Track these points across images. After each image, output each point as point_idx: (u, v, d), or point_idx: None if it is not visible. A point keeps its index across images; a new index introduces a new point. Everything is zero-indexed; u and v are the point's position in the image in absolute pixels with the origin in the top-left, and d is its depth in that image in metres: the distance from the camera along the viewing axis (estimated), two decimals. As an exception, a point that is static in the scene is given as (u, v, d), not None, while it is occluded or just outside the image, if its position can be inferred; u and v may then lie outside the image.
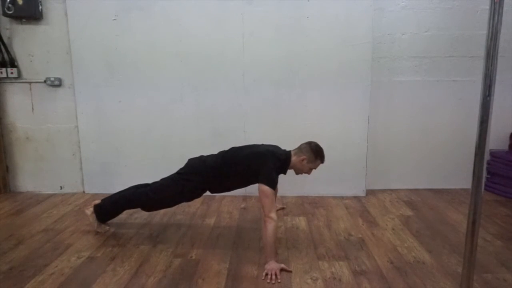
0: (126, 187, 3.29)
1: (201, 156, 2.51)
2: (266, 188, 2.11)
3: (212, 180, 2.39)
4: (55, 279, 1.96)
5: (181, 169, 2.47)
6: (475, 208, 1.33)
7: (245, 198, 3.25)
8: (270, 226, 2.04)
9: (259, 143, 2.46)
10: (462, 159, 3.40)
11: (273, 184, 2.15)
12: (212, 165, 2.38)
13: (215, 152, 3.26)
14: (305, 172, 2.40)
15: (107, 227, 2.57)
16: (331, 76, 3.15)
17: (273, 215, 2.07)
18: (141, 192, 2.46)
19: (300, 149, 2.37)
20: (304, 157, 2.33)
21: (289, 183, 3.08)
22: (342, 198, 3.27)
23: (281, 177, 2.30)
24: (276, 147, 2.44)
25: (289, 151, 2.39)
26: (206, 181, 2.40)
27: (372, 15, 3.08)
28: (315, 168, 2.41)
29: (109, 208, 2.51)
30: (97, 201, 2.55)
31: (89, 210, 2.51)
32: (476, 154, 1.30)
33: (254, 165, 2.24)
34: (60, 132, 3.35)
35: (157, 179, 3.30)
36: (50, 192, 3.41)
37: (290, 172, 2.40)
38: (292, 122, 3.22)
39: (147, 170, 3.32)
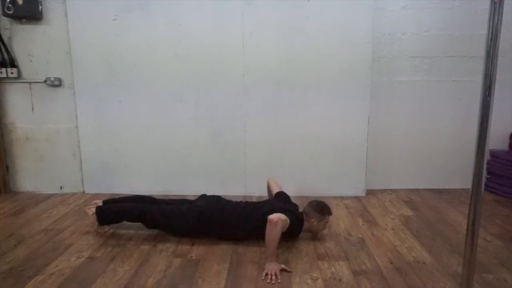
0: (126, 187, 3.32)
1: (219, 199, 2.51)
2: (284, 216, 2.12)
3: (226, 228, 2.38)
4: (55, 279, 1.96)
5: (197, 206, 2.44)
6: (475, 208, 1.32)
7: (245, 198, 3.24)
8: (276, 226, 2.04)
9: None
10: (462, 159, 3.40)
11: (290, 219, 2.16)
12: (230, 214, 2.37)
13: (215, 151, 3.28)
14: (322, 230, 2.43)
15: (107, 228, 2.56)
16: (331, 76, 3.15)
17: (280, 220, 2.07)
18: (148, 211, 2.43)
19: (306, 213, 2.40)
20: (313, 219, 2.36)
21: (289, 183, 3.08)
22: (342, 198, 3.26)
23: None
24: (294, 206, 2.48)
25: (302, 213, 2.42)
26: (219, 228, 2.38)
27: (372, 15, 3.08)
28: (327, 222, 2.42)
29: (111, 215, 2.49)
30: (99, 202, 2.55)
31: (91, 210, 2.49)
32: (476, 154, 1.30)
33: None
34: (60, 132, 3.35)
35: (157, 179, 3.34)
36: (50, 192, 3.41)
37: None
38: (292, 122, 3.22)
39: (147, 170, 3.33)
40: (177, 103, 3.23)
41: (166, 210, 2.43)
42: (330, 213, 2.40)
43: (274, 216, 2.08)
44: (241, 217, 2.37)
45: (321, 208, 2.38)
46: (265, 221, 2.10)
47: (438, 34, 3.29)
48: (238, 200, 2.63)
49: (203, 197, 2.53)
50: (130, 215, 2.47)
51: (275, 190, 2.69)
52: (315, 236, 2.46)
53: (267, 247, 2.08)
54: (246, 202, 2.49)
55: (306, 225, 2.39)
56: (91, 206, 2.53)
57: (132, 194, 2.84)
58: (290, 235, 2.37)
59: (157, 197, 2.69)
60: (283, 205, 2.45)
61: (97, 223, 2.50)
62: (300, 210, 2.48)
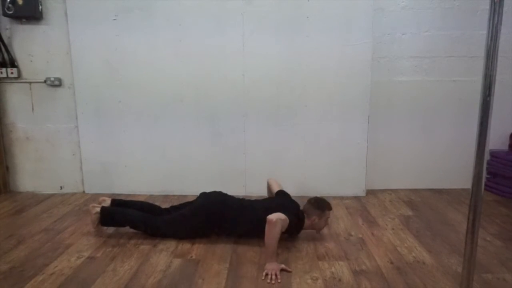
0: (126, 187, 3.33)
1: (220, 194, 2.51)
2: (283, 216, 2.11)
3: (226, 224, 2.39)
4: (55, 279, 1.96)
5: (198, 203, 2.45)
6: (475, 208, 1.32)
7: (245, 198, 3.24)
8: (275, 227, 2.05)
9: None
10: (462, 159, 3.40)
11: (290, 218, 2.15)
12: (231, 209, 2.39)
13: (215, 152, 3.28)
14: (324, 226, 2.43)
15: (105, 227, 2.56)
16: (331, 76, 3.15)
17: (279, 220, 2.07)
18: (153, 223, 2.45)
19: (306, 212, 2.40)
20: (314, 217, 2.36)
21: (289, 183, 3.08)
22: (342, 198, 3.26)
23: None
24: (295, 204, 2.47)
25: (303, 212, 2.42)
26: (221, 223, 2.40)
27: (372, 15, 3.08)
28: (329, 217, 2.42)
29: (114, 221, 2.49)
30: (107, 200, 2.55)
31: (95, 209, 2.46)
32: (476, 154, 1.30)
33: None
34: (60, 132, 3.35)
35: (157, 179, 3.34)
36: (50, 192, 3.41)
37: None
38: (292, 122, 3.22)
39: (147, 170, 3.33)
40: (177, 103, 3.23)
41: (169, 219, 2.46)
42: (330, 208, 2.40)
43: (273, 216, 2.08)
44: (241, 213, 2.37)
45: (321, 204, 2.38)
46: (264, 218, 2.10)
47: (438, 34, 3.29)
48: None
49: (203, 194, 2.53)
50: (134, 224, 2.48)
51: (275, 189, 2.69)
52: (318, 233, 2.45)
53: (267, 247, 2.08)
54: (247, 199, 2.49)
55: (307, 223, 2.38)
56: (96, 205, 2.50)
57: (141, 200, 2.88)
58: (291, 234, 2.37)
59: (159, 197, 2.67)
60: (283, 203, 2.44)
61: (98, 222, 2.49)
62: (301, 208, 2.47)
